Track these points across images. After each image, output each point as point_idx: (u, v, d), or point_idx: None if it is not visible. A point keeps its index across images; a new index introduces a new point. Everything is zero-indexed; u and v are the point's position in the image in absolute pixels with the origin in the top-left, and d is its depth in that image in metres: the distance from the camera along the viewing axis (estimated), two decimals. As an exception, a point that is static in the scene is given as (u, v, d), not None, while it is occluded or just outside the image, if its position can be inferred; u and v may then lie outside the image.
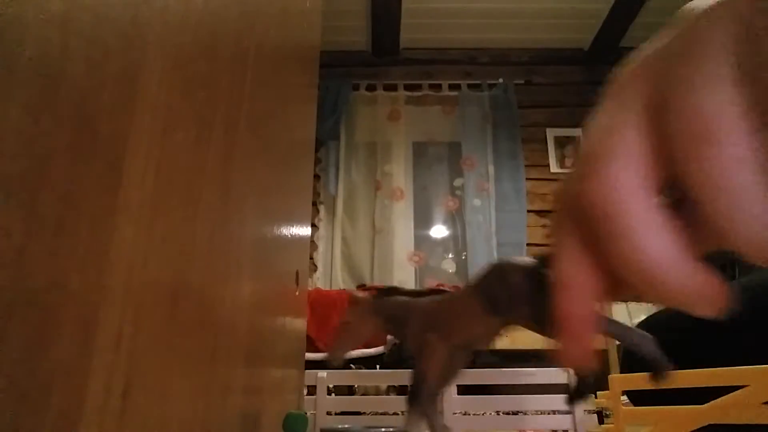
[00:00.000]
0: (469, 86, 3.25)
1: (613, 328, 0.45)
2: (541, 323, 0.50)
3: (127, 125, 0.24)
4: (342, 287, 2.79)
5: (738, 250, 0.20)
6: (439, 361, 0.58)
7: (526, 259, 0.51)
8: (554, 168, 3.09)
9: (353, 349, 0.64)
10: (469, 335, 0.60)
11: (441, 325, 0.58)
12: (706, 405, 0.72)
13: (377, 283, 2.73)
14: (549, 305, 0.26)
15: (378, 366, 1.95)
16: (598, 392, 0.96)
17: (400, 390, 1.80)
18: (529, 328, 0.52)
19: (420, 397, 0.58)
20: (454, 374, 0.60)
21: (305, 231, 0.95)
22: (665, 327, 0.84)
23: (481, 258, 2.84)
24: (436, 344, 0.57)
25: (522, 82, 3.28)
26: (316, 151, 2.98)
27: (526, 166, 3.07)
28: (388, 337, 2.00)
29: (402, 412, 1.38)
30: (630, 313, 2.77)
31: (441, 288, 0.62)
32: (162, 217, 0.28)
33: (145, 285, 0.26)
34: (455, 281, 2.79)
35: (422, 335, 0.58)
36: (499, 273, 0.54)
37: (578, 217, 0.23)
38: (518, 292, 0.51)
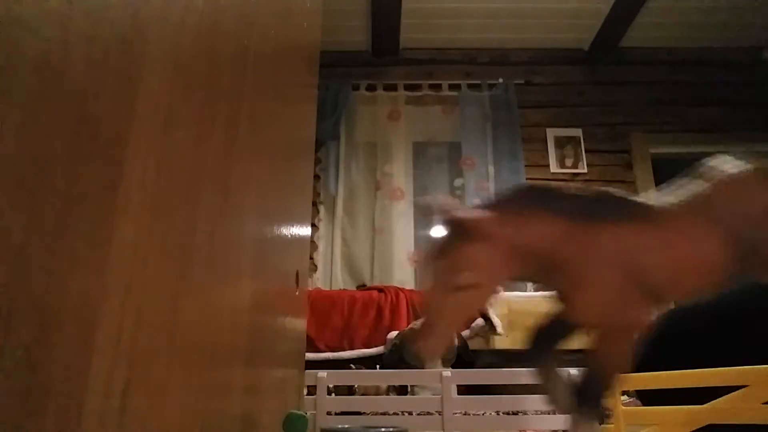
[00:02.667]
0: (469, 86, 3.24)
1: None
2: None
3: (127, 125, 0.24)
4: (342, 287, 2.79)
5: None
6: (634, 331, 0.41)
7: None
8: (554, 168, 3.09)
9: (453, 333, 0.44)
10: (696, 285, 0.41)
11: (655, 271, 0.40)
12: (706, 405, 0.72)
13: (377, 283, 2.73)
14: None
15: (378, 366, 1.95)
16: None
17: (400, 390, 1.80)
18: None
19: (592, 392, 0.43)
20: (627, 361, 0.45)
21: (305, 231, 0.95)
22: (666, 327, 0.84)
23: (481, 258, 2.83)
24: (642, 305, 0.38)
25: (522, 82, 3.28)
26: (316, 151, 2.98)
27: (526, 166, 3.06)
28: (389, 336, 2.00)
29: (404, 412, 1.37)
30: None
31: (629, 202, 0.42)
32: (162, 217, 0.28)
33: (145, 285, 0.26)
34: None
35: (622, 290, 0.40)
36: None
37: None
38: None
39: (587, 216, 0.40)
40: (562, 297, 0.44)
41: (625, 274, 0.39)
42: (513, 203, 0.43)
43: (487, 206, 0.46)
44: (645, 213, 0.41)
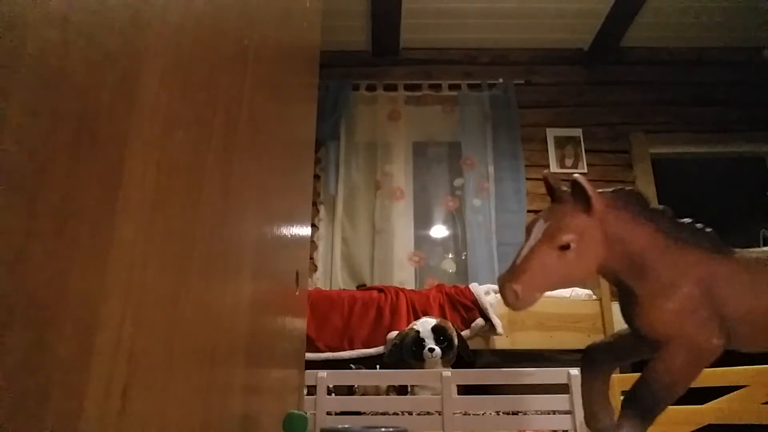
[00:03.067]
0: (469, 86, 3.24)
1: None
2: None
3: (127, 125, 0.24)
4: (342, 287, 2.79)
5: None
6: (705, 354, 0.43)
7: None
8: (554, 168, 3.09)
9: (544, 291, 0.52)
10: None
11: (730, 305, 0.43)
12: (706, 405, 0.72)
13: (377, 283, 2.73)
14: None
15: (378, 366, 1.95)
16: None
17: (400, 390, 1.80)
18: None
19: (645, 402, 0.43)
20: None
21: (305, 231, 0.95)
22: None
23: (481, 258, 2.83)
24: (714, 329, 0.42)
25: (522, 82, 3.28)
26: (316, 151, 2.98)
27: (526, 166, 3.06)
28: (389, 336, 2.00)
29: (404, 412, 1.37)
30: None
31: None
32: (162, 217, 0.28)
33: (145, 285, 0.26)
34: (455, 281, 2.79)
35: (698, 309, 0.42)
36: None
37: None
38: None
39: (682, 235, 0.45)
40: (639, 303, 0.48)
41: (704, 296, 0.42)
42: (617, 201, 0.49)
43: (598, 195, 0.56)
44: (732, 253, 0.45)
